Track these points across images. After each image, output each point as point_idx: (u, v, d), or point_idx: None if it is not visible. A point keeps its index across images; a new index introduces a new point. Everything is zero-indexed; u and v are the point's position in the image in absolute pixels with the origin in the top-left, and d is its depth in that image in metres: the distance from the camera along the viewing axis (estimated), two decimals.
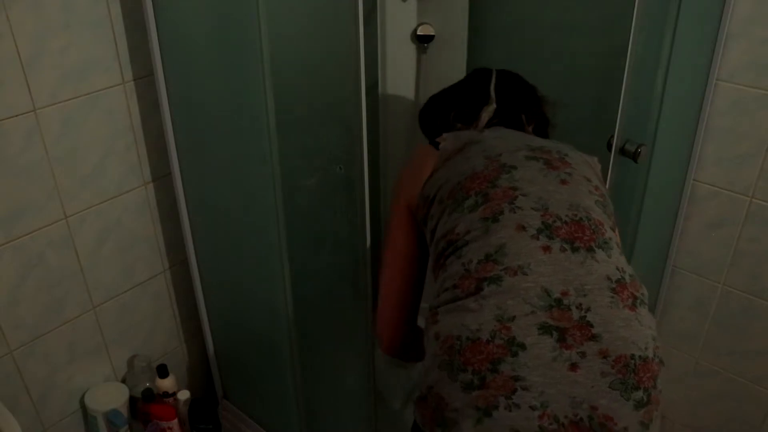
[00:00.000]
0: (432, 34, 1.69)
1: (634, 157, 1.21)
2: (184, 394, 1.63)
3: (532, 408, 0.80)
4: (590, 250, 0.90)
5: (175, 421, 1.58)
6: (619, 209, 1.12)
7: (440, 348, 0.88)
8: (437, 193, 1.03)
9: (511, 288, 0.87)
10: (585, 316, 0.84)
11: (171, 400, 1.61)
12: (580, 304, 0.85)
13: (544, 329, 0.84)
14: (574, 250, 0.90)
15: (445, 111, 1.22)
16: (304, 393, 1.48)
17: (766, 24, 1.31)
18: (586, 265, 0.89)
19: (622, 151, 1.21)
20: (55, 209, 1.34)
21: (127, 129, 1.42)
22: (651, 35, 1.20)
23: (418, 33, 1.70)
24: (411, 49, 1.74)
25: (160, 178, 1.52)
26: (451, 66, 1.70)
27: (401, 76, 1.77)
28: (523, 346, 0.83)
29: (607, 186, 1.16)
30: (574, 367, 0.82)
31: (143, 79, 1.41)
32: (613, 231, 0.98)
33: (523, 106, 1.20)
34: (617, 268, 0.90)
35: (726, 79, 1.40)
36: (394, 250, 1.12)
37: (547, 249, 0.90)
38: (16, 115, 1.22)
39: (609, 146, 1.18)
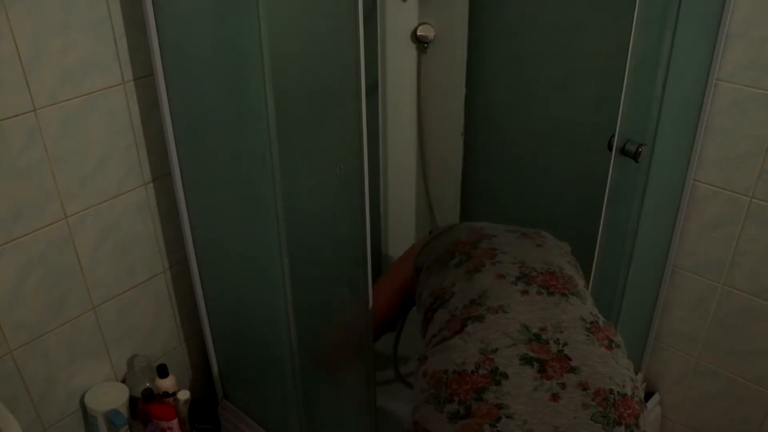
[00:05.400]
0: (432, 34, 1.69)
1: (635, 157, 1.21)
2: (184, 394, 1.63)
3: None
4: (564, 295, 0.99)
5: (175, 421, 1.58)
6: (619, 209, 1.12)
7: (428, 383, 0.92)
8: (425, 263, 1.18)
9: (493, 324, 0.93)
10: (563, 350, 0.89)
11: (171, 400, 1.61)
12: (558, 339, 0.90)
13: (525, 360, 0.87)
14: (550, 293, 0.98)
15: None
16: (304, 393, 1.47)
17: (766, 24, 1.31)
18: (561, 306, 0.96)
19: (622, 151, 1.21)
20: (55, 209, 1.34)
21: (127, 129, 1.42)
22: (651, 35, 1.20)
23: (418, 33, 1.70)
24: (411, 49, 1.74)
25: (160, 178, 1.52)
26: (451, 66, 1.70)
27: (401, 76, 1.77)
28: (505, 376, 0.86)
29: (607, 186, 1.17)
30: (555, 397, 0.84)
31: (143, 79, 1.41)
32: (586, 289, 1.07)
33: None
34: (591, 313, 0.97)
35: (726, 79, 1.40)
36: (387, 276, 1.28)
37: (525, 293, 0.98)
38: (16, 115, 1.22)
39: (609, 146, 1.18)
